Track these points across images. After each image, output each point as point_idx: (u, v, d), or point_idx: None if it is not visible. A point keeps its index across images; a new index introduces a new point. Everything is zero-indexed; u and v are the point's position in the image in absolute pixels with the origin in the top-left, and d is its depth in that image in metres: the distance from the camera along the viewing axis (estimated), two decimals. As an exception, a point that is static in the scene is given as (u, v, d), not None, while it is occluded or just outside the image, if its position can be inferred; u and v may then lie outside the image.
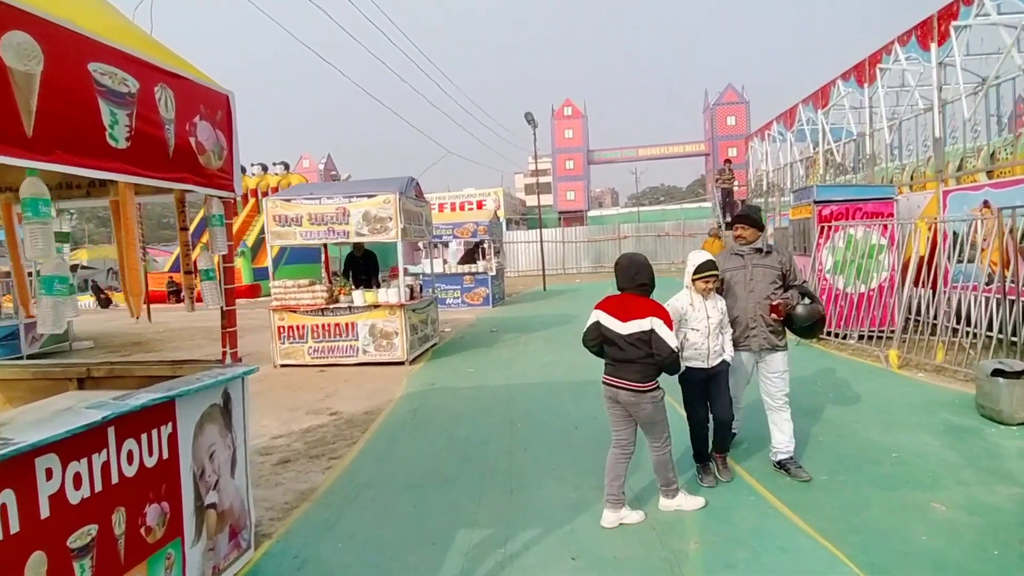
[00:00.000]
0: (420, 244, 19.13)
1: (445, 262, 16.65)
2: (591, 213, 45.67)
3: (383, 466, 4.50)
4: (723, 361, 3.84)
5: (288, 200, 8.46)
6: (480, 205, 33.05)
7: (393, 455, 4.75)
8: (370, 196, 8.32)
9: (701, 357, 3.78)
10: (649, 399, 3.32)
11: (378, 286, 9.07)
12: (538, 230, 34.39)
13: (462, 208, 33.10)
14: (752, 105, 43.65)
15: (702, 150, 45.69)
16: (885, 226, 8.08)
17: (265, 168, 31.86)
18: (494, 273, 16.44)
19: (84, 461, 2.17)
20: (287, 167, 32.27)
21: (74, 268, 35.31)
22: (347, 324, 8.45)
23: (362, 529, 3.50)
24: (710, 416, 3.93)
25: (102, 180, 3.27)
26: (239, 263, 28.06)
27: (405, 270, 10.04)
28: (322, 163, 47.23)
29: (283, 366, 8.60)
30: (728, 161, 16.82)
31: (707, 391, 3.88)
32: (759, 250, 4.08)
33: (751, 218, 4.15)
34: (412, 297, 8.84)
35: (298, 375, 8.13)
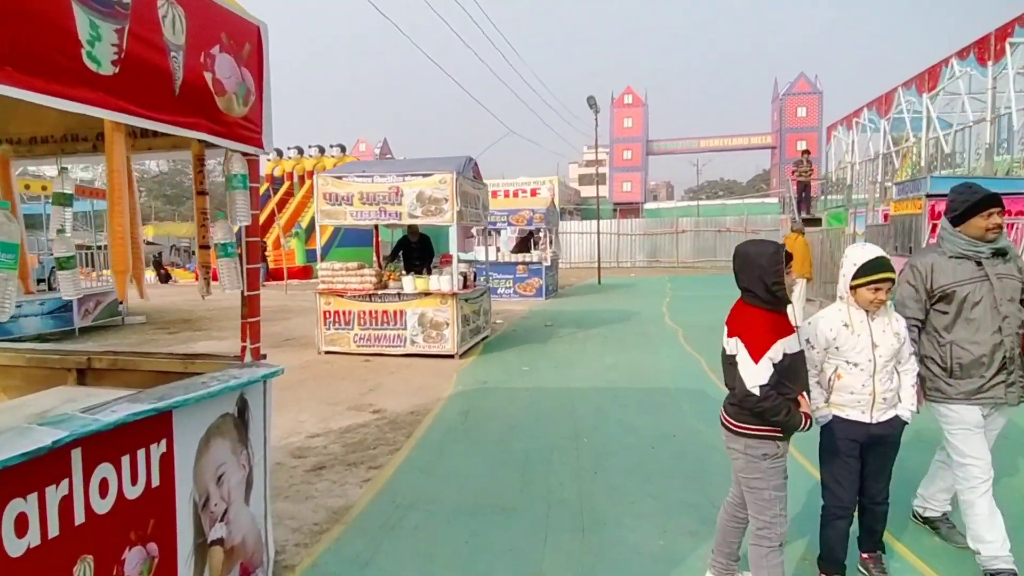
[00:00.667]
0: (473, 230, 18.64)
1: (498, 250, 16.02)
2: (647, 206, 44.28)
3: (429, 483, 3.87)
4: (896, 417, 2.58)
5: (339, 178, 7.94)
6: (534, 193, 32.12)
7: (441, 470, 4.12)
8: (425, 175, 7.71)
9: (861, 406, 2.54)
10: (742, 447, 2.37)
11: (429, 273, 8.49)
12: (592, 221, 33.46)
13: (516, 195, 32.26)
14: (826, 96, 41.27)
15: (768, 143, 43.62)
16: (1012, 225, 6.95)
17: (322, 150, 31.92)
18: (549, 264, 15.72)
19: (32, 498, 1.58)
20: (343, 149, 32.26)
21: (139, 243, 36.53)
22: (395, 312, 7.90)
23: (403, 571, 2.87)
24: (856, 500, 2.63)
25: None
26: (293, 244, 28.25)
27: (458, 257, 9.45)
28: (378, 147, 47.37)
29: (327, 353, 8.13)
30: (807, 152, 15.49)
31: (862, 461, 2.59)
32: (1000, 252, 2.69)
33: (1001, 200, 2.68)
34: (465, 286, 8.22)
35: (342, 364, 7.64)
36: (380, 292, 7.94)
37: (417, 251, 9.26)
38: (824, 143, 17.57)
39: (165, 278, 26.90)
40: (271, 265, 26.78)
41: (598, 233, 21.34)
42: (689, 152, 46.45)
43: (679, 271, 27.83)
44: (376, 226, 9.77)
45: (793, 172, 15.31)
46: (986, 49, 8.78)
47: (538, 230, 16.63)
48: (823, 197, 16.48)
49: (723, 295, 15.42)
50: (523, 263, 15.40)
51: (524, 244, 17.16)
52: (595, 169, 20.73)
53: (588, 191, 54.17)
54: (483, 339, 9.13)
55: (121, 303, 12.08)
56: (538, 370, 7.23)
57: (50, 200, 13.55)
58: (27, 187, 13.40)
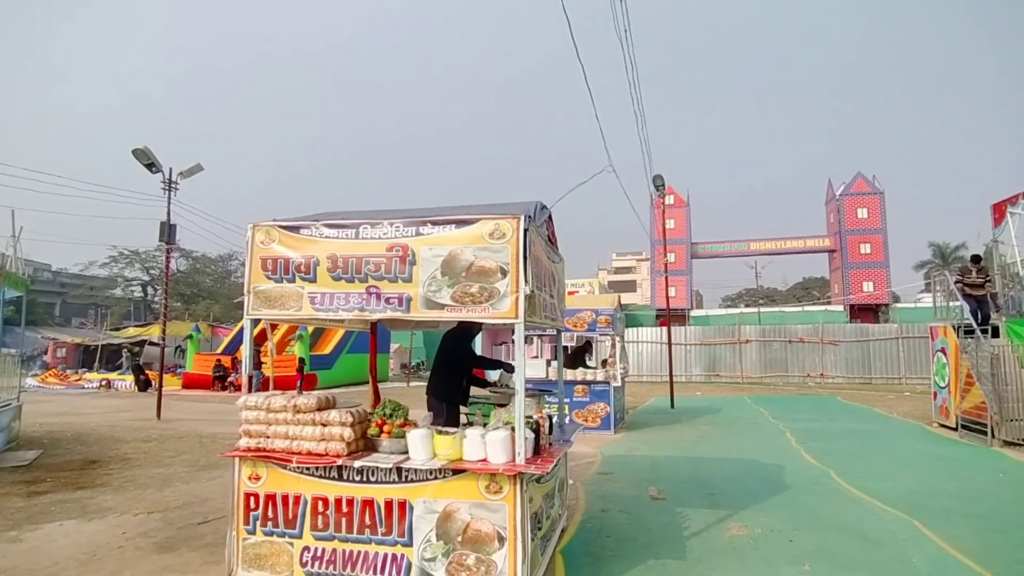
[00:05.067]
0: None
1: (548, 364, 11.86)
2: (694, 313, 40.16)
3: None
4: None
5: (294, 228, 4.06)
6: (571, 295, 28.55)
7: None
8: (460, 223, 3.81)
9: None
10: None
11: (451, 416, 4.40)
12: (636, 329, 29.28)
13: (552, 298, 28.61)
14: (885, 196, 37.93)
15: (827, 245, 39.89)
16: None
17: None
18: (619, 383, 11.47)
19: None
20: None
21: (142, 344, 33.27)
22: (389, 504, 3.71)
23: None
24: None
25: None
26: (296, 348, 24.44)
27: (504, 382, 5.44)
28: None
29: (247, 583, 3.90)
30: (978, 258, 11.60)
31: None
32: None
33: None
34: (539, 448, 4.01)
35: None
36: (360, 461, 3.77)
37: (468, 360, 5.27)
38: (991, 226, 13.52)
39: (144, 385, 23.00)
40: (269, 373, 22.86)
41: (669, 344, 17.05)
42: (739, 255, 42.76)
43: (749, 388, 23.17)
44: (374, 325, 5.80)
45: (957, 283, 11.25)
46: None
47: (594, 338, 12.58)
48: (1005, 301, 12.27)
49: (860, 430, 10.37)
50: (583, 383, 11.17)
51: (577, 356, 12.95)
52: (665, 259, 16.80)
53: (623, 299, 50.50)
54: (558, 541, 4.80)
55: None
56: None
57: None
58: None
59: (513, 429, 3.67)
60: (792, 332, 27.00)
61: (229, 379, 23.06)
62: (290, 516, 3.86)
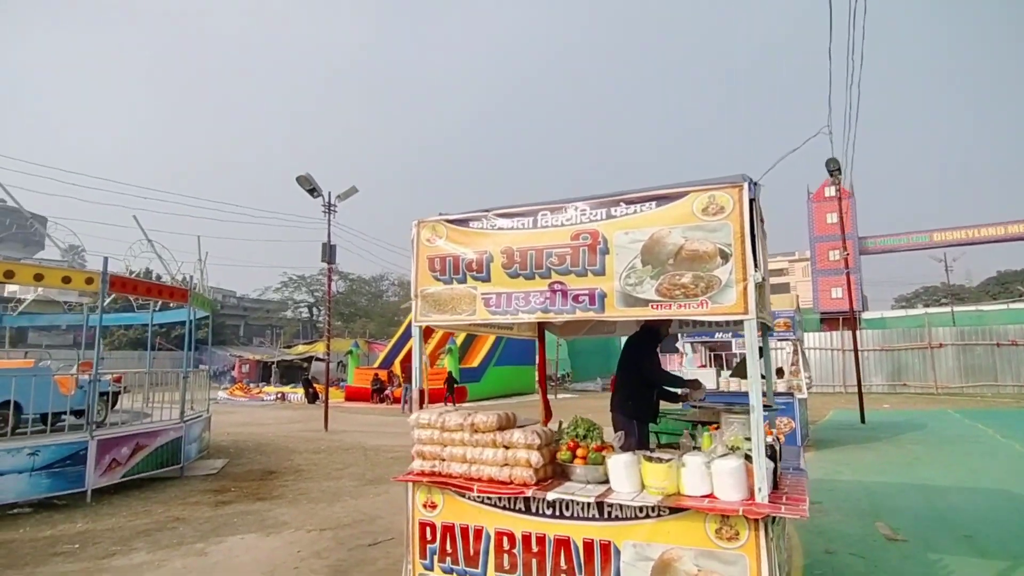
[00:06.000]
0: (684, 342, 13.48)
1: (719, 373, 10.67)
2: (866, 315, 35.80)
3: None
4: None
5: (463, 223, 3.58)
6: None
7: None
8: (662, 200, 3.09)
9: None
10: None
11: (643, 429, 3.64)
12: (817, 333, 26.46)
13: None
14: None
15: (1036, 231, 33.70)
16: None
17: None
18: (804, 394, 10.01)
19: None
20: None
21: (310, 360, 36.22)
22: (589, 546, 3.04)
23: None
24: None
25: None
26: (446, 362, 24.99)
27: (697, 397, 4.68)
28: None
29: (427, 625, 3.43)
30: None
31: None
32: None
33: None
34: (777, 482, 3.15)
35: None
36: (552, 494, 3.15)
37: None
38: None
39: (313, 397, 24.74)
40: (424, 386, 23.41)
41: (855, 350, 14.93)
42: (920, 248, 37.56)
43: (948, 400, 19.80)
44: (542, 328, 5.22)
45: None
46: None
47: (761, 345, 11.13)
48: None
49: None
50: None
51: (743, 366, 11.55)
52: (846, 261, 14.75)
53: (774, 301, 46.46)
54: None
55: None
56: None
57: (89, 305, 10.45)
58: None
59: (747, 457, 2.85)
60: (1000, 334, 22.87)
61: (385, 391, 24.10)
62: (471, 552, 3.34)
